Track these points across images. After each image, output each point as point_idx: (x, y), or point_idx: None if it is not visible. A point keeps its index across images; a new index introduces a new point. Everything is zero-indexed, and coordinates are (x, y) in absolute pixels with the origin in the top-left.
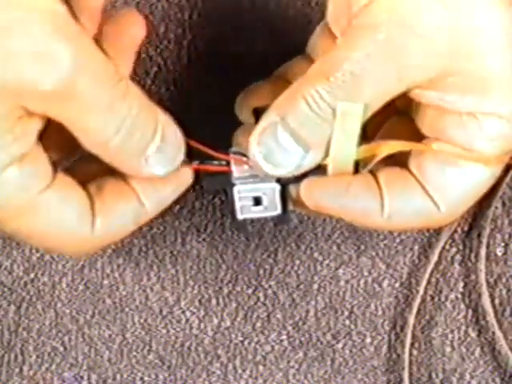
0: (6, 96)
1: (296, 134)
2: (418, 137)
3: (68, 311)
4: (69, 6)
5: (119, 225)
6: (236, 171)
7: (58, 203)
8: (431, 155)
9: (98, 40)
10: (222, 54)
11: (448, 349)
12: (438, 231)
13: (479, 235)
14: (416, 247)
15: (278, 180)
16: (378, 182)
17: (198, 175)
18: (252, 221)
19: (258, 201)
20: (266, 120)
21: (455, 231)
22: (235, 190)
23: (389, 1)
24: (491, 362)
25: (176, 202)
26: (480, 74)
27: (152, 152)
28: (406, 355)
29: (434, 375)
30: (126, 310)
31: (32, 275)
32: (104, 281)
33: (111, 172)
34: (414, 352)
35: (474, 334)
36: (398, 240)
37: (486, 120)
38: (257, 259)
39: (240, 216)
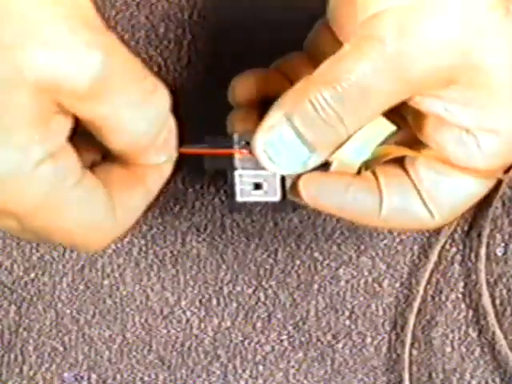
0: (44, 91)
1: (301, 134)
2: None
3: (68, 311)
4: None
5: (134, 210)
6: (238, 158)
7: (89, 197)
8: (427, 164)
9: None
10: (221, 54)
11: (448, 349)
12: (437, 231)
13: (479, 235)
14: (416, 247)
15: None
16: (378, 183)
17: (201, 157)
18: (252, 220)
19: (258, 186)
20: (272, 118)
21: (455, 231)
22: (236, 173)
23: (397, 13)
24: (491, 361)
25: (176, 201)
26: (484, 87)
27: (160, 142)
28: (406, 355)
29: (434, 375)
30: (127, 310)
31: (32, 275)
32: (104, 281)
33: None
34: (414, 352)
35: (474, 334)
36: (397, 240)
37: (485, 137)
38: (257, 259)
39: (239, 198)
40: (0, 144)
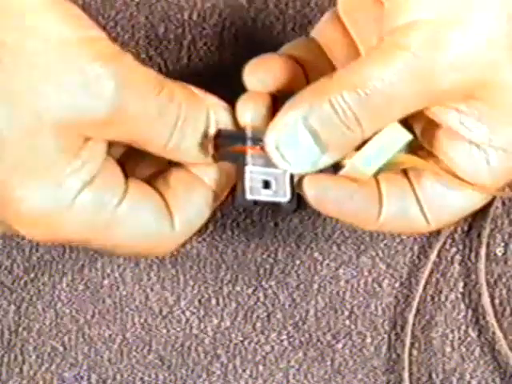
0: (65, 129)
1: (316, 134)
2: None
3: (68, 311)
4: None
5: (196, 214)
6: (250, 153)
7: (136, 210)
8: (433, 175)
9: None
10: (222, 54)
11: (448, 349)
12: (437, 231)
13: (479, 235)
14: (416, 247)
15: None
16: (379, 188)
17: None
18: (252, 220)
19: (267, 184)
20: (287, 116)
21: (455, 231)
22: (247, 169)
23: (429, 26)
24: (491, 362)
25: None
26: (502, 104)
27: (210, 138)
28: (406, 355)
29: (434, 375)
30: (126, 309)
31: (32, 275)
32: (104, 281)
33: (166, 164)
34: (414, 352)
35: (474, 334)
36: (397, 240)
37: (495, 154)
38: (257, 259)
39: (249, 196)
40: (35, 184)
